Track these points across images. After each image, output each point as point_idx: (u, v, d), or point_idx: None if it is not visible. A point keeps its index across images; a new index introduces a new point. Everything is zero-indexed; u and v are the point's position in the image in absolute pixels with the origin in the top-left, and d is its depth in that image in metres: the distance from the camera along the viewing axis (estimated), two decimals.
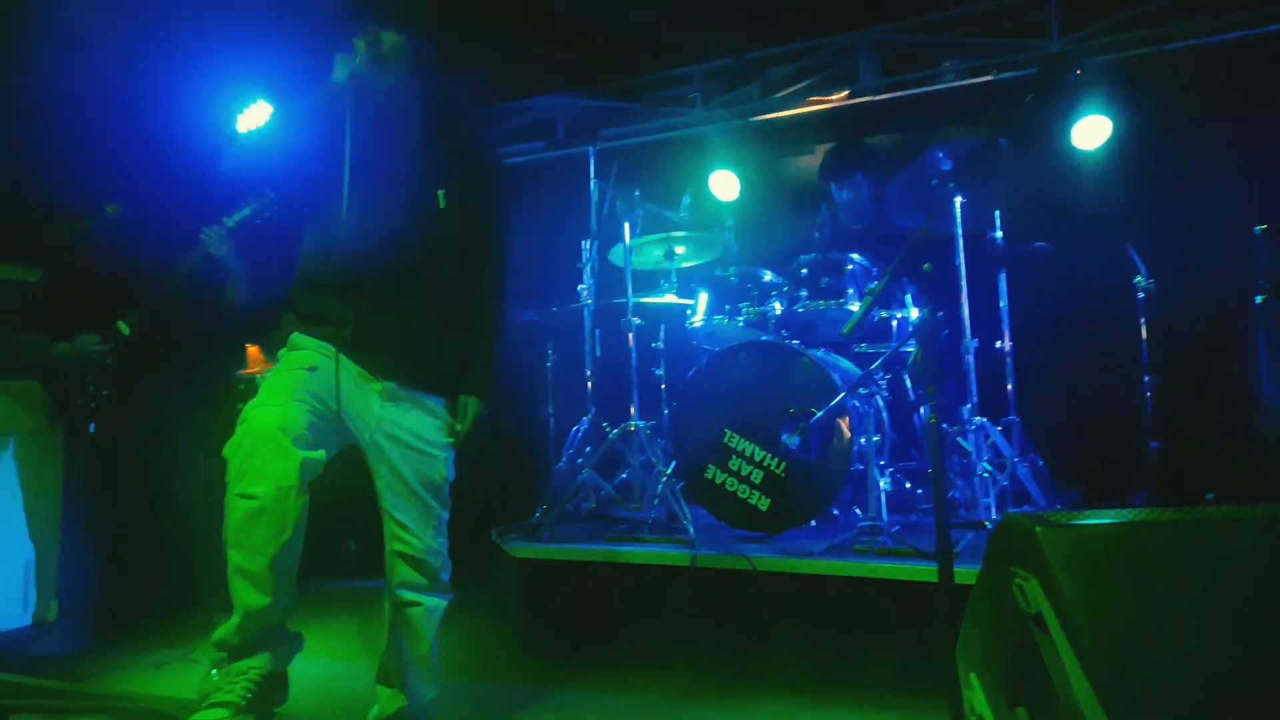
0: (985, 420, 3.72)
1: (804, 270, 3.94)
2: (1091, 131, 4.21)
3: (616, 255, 4.03)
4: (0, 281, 3.75)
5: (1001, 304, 4.05)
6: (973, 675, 1.52)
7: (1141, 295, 4.03)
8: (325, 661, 3.05)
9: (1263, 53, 4.07)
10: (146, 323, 3.40)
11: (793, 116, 4.86)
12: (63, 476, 3.42)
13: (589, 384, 4.00)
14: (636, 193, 3.92)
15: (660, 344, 4.10)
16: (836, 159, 4.42)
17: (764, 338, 3.91)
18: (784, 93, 4.94)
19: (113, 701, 2.33)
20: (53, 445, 3.51)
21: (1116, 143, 4.23)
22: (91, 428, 3.33)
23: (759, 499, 3.59)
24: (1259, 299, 3.64)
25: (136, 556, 3.42)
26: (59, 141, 4.13)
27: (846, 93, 4.76)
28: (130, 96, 4.29)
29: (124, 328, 3.37)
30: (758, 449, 3.61)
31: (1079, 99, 4.19)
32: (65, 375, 3.36)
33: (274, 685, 2.05)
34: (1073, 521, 1.32)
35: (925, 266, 2.25)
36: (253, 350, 4.15)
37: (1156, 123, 4.20)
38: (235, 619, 1.96)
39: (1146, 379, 3.97)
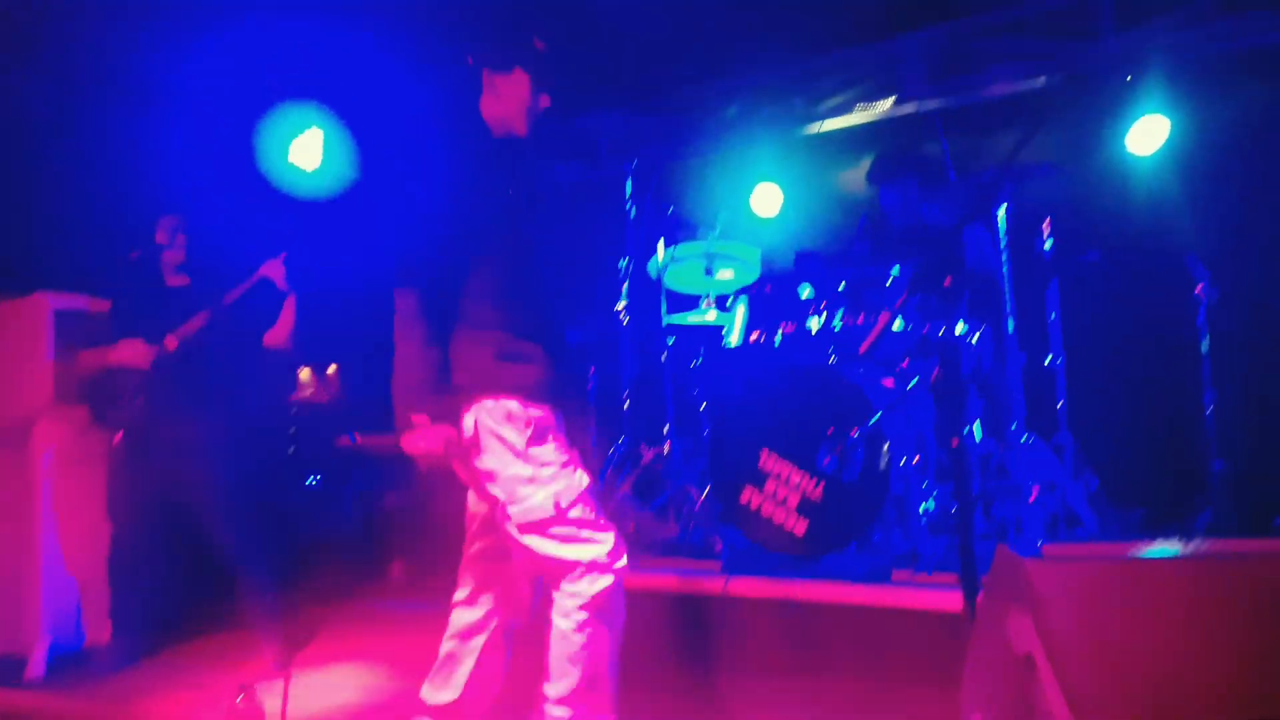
0: (1034, 438, 3.59)
1: (843, 284, 3.86)
2: (1148, 134, 4.03)
3: (654, 271, 4.03)
4: (73, 313, 3.97)
5: (1051, 316, 3.90)
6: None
7: (1203, 306, 3.82)
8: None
9: None
10: (193, 339, 3.50)
11: (839, 129, 4.79)
12: (105, 493, 3.55)
13: (625, 405, 3.99)
14: (672, 209, 3.92)
15: (699, 363, 4.07)
16: (888, 160, 4.31)
17: (801, 357, 3.85)
18: (830, 103, 4.87)
19: None
20: (93, 461, 3.63)
21: (1174, 146, 4.04)
22: (118, 436, 3.43)
23: (795, 522, 3.53)
24: None
25: (182, 574, 3.54)
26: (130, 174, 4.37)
27: (893, 100, 4.67)
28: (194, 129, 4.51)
29: (168, 343, 3.48)
30: (794, 471, 3.55)
31: (1133, 101, 4.02)
32: (100, 386, 3.47)
33: None
34: (1067, 557, 1.26)
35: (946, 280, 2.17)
36: (304, 373, 4.28)
37: (1217, 124, 4.00)
38: None
39: (1208, 394, 3.76)
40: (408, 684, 2.84)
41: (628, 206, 3.94)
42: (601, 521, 2.26)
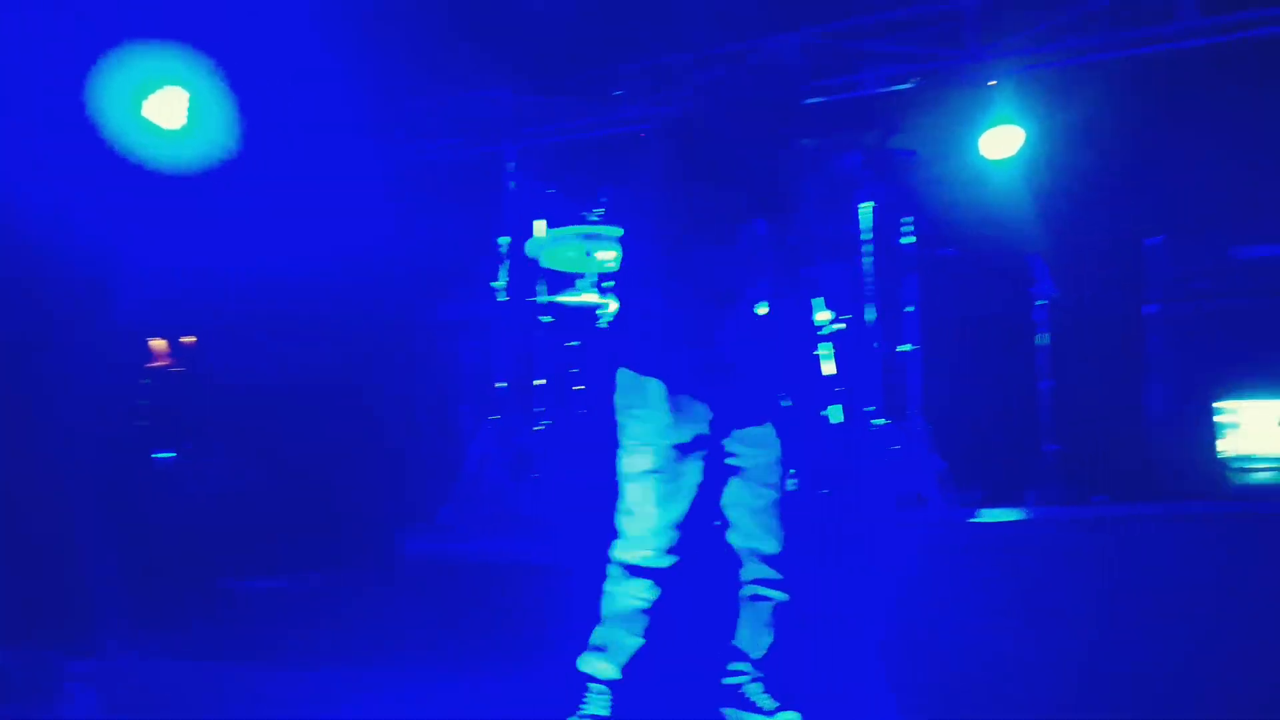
0: (887, 422, 3.82)
1: None
2: (1002, 141, 4.32)
3: (533, 251, 4.04)
4: None
5: (908, 308, 4.15)
6: None
7: (1043, 303, 4.16)
8: None
9: (1160, 70, 4.21)
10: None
11: None
12: None
13: (501, 384, 3.99)
14: (553, 190, 3.93)
15: (576, 344, 4.11)
16: None
17: None
18: None
19: None
20: None
21: (1025, 153, 4.35)
22: None
23: None
24: (1149, 309, 3.78)
25: (31, 559, 3.33)
26: None
27: None
28: None
29: None
30: None
31: (992, 109, 4.30)
32: None
33: None
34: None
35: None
36: (158, 344, 4.08)
37: (1064, 135, 4.32)
38: None
39: (1044, 383, 4.11)
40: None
41: (510, 185, 3.93)
42: None
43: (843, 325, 4.26)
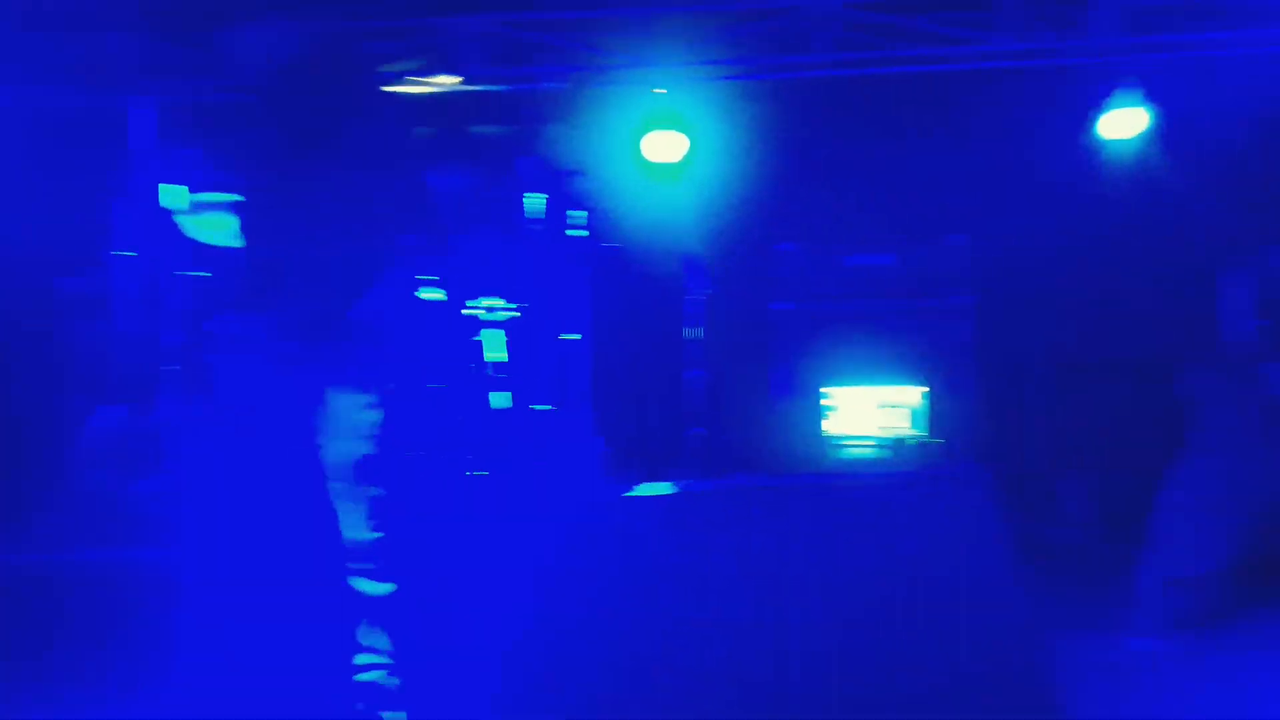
0: (550, 409, 3.96)
1: None
2: (667, 146, 4.63)
3: (171, 217, 3.63)
4: None
5: (577, 300, 4.33)
6: None
7: (697, 298, 4.54)
8: None
9: (799, 94, 4.76)
10: None
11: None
12: None
13: (125, 368, 3.56)
14: (196, 151, 3.55)
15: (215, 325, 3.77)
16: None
17: None
18: (395, 67, 4.79)
19: None
20: None
21: (690, 160, 4.70)
22: None
23: None
24: (777, 306, 4.27)
25: None
26: None
27: (460, 79, 4.75)
28: None
29: None
30: None
31: (658, 114, 4.58)
32: None
33: None
34: None
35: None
36: None
37: (720, 146, 4.73)
38: None
39: (692, 373, 4.50)
40: None
41: (140, 142, 3.49)
42: None
43: (515, 314, 4.35)
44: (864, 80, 4.71)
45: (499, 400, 4.12)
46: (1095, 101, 4.18)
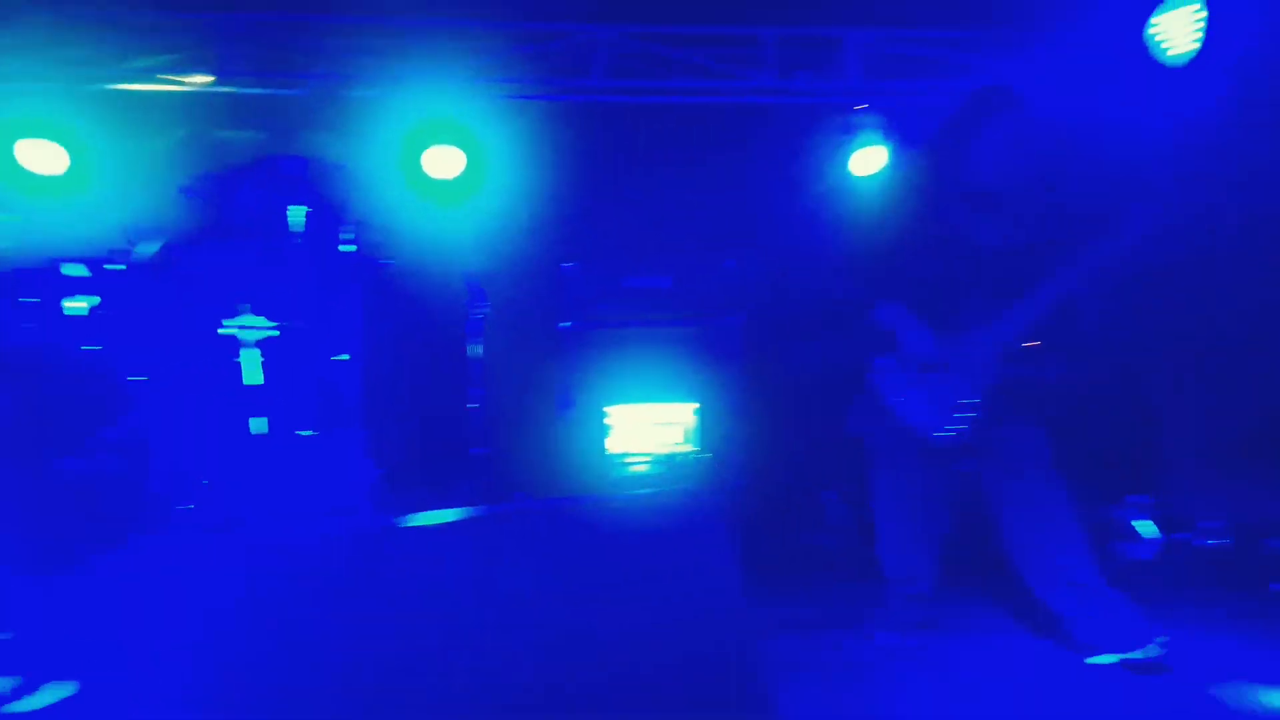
0: (320, 431, 3.74)
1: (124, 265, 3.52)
2: (445, 161, 4.53)
3: None
4: None
5: (349, 317, 4.13)
6: None
7: (478, 316, 4.46)
8: None
9: (580, 117, 4.83)
10: None
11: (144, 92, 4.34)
12: None
13: None
14: None
15: None
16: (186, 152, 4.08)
17: (54, 340, 3.41)
18: (138, 64, 4.38)
19: None
20: None
21: (471, 176, 4.62)
22: None
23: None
24: (564, 324, 4.28)
25: None
26: None
27: (213, 78, 4.41)
28: None
29: None
30: None
31: (436, 128, 4.48)
32: None
33: None
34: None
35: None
36: None
37: (503, 163, 4.69)
38: None
39: (475, 392, 4.41)
40: None
41: None
42: None
43: (274, 333, 4.08)
44: (644, 107, 4.87)
45: (256, 425, 3.84)
46: (847, 137, 4.56)
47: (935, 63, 4.74)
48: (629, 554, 1.59)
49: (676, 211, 4.88)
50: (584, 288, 4.33)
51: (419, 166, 4.44)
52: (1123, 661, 2.66)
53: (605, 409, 4.02)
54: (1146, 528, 4.37)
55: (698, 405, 4.01)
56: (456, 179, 4.56)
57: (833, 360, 4.40)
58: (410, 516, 1.69)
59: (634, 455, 3.95)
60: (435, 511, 1.69)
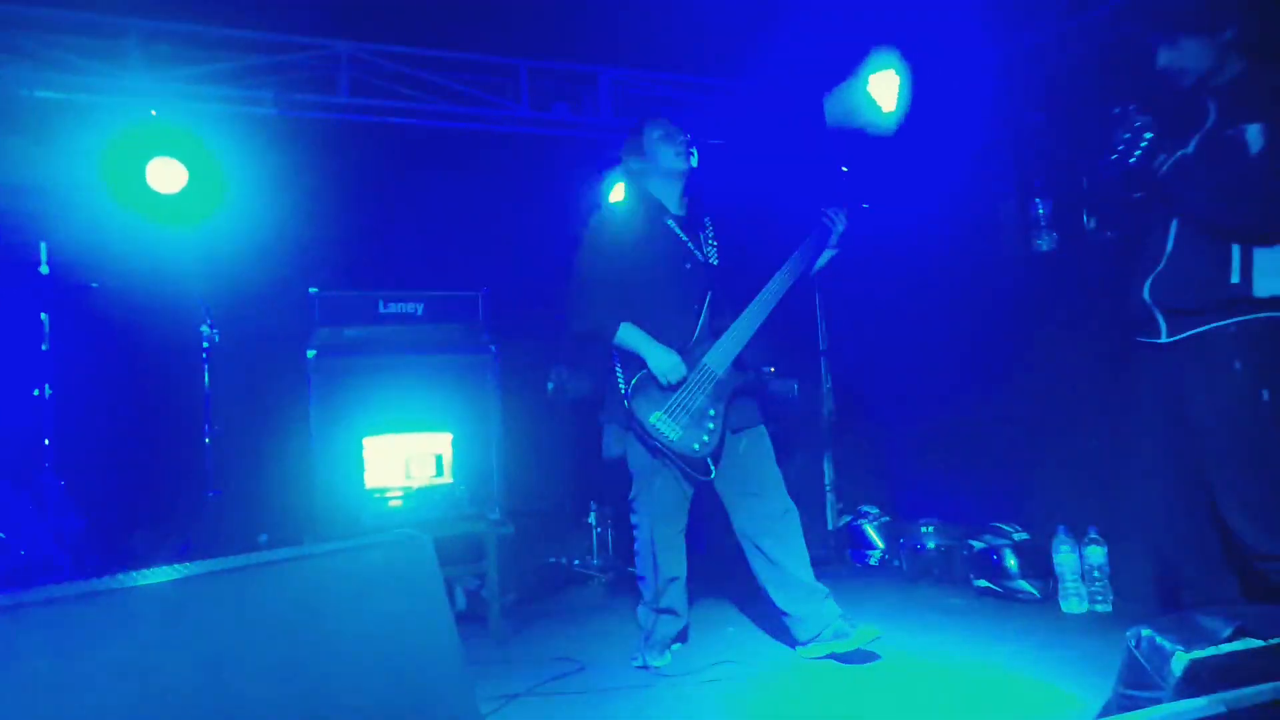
0: (4, 481, 3.24)
1: None
2: (167, 176, 4.10)
3: None
4: None
5: (44, 347, 3.62)
6: None
7: (206, 346, 4.08)
8: None
9: (341, 134, 4.59)
10: None
11: None
12: None
13: None
14: None
15: None
16: None
17: None
18: None
19: None
20: None
21: (198, 192, 4.20)
22: None
23: None
24: (310, 353, 4.00)
25: None
26: None
27: None
28: None
29: None
30: None
31: (154, 140, 4.05)
32: None
33: None
34: None
35: None
36: None
37: (237, 180, 4.32)
38: None
39: (207, 428, 4.03)
40: None
41: None
42: None
43: None
44: (399, 129, 4.72)
45: None
46: (601, 171, 4.72)
47: (677, 102, 5.05)
48: (330, 609, 1.51)
49: (429, 238, 4.78)
50: (333, 313, 4.09)
51: (138, 180, 3.97)
52: (831, 654, 2.93)
53: (359, 441, 3.81)
54: (875, 533, 4.89)
55: (453, 436, 3.93)
56: (179, 194, 4.12)
57: (585, 385, 4.53)
58: (118, 577, 1.50)
59: (388, 489, 3.78)
60: (140, 571, 1.53)
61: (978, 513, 4.27)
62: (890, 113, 4.43)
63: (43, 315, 3.59)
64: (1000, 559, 3.86)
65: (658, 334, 3.04)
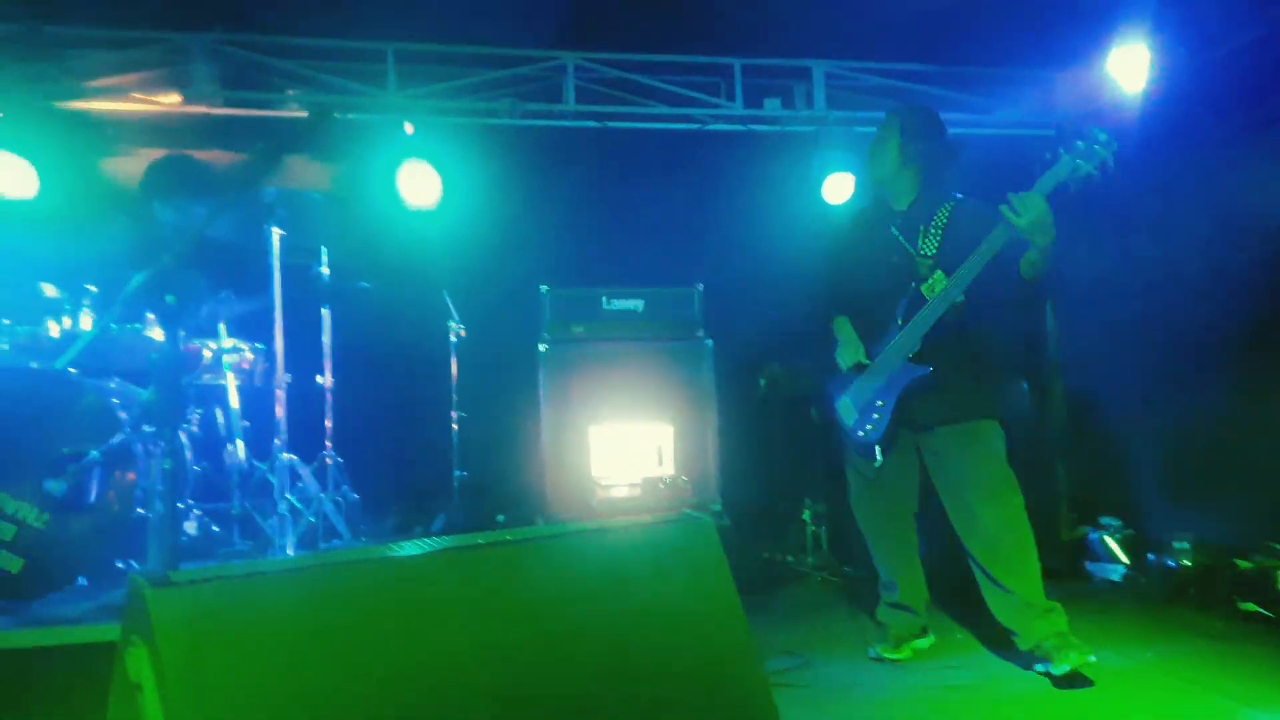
0: (294, 457, 3.69)
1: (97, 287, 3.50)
2: (421, 185, 4.52)
3: None
4: None
5: (324, 339, 4.10)
6: None
7: (454, 339, 4.46)
8: None
9: (566, 140, 4.87)
10: None
11: (112, 111, 4.26)
12: None
13: None
14: None
15: None
16: (161, 175, 4.03)
17: (32, 364, 3.34)
18: (102, 82, 4.30)
19: None
20: None
21: (447, 199, 4.60)
22: None
23: (7, 559, 3.05)
24: (541, 346, 4.29)
25: None
26: None
27: (180, 98, 4.34)
28: None
29: None
30: (8, 499, 3.05)
31: (409, 151, 4.47)
32: None
33: None
34: (195, 579, 1.27)
35: (169, 298, 2.07)
36: None
37: (479, 186, 4.70)
38: None
39: (454, 414, 4.40)
40: None
41: None
42: None
43: (252, 356, 4.04)
44: (619, 133, 4.93)
45: (234, 448, 3.79)
46: (815, 166, 4.71)
47: (891, 92, 4.93)
48: (628, 583, 1.58)
49: (648, 235, 4.96)
50: (560, 308, 4.35)
51: (397, 190, 4.41)
52: (1048, 674, 2.73)
53: (587, 429, 4.04)
54: (1117, 547, 4.54)
55: (675, 428, 4.07)
56: (434, 202, 4.53)
57: (798, 383, 4.54)
58: (394, 545, 1.62)
59: (615, 477, 3.98)
60: (420, 540, 1.67)
61: (1240, 530, 3.89)
62: (1137, 92, 4.10)
63: (324, 309, 4.07)
64: (1273, 580, 3.52)
65: (865, 329, 3.04)
